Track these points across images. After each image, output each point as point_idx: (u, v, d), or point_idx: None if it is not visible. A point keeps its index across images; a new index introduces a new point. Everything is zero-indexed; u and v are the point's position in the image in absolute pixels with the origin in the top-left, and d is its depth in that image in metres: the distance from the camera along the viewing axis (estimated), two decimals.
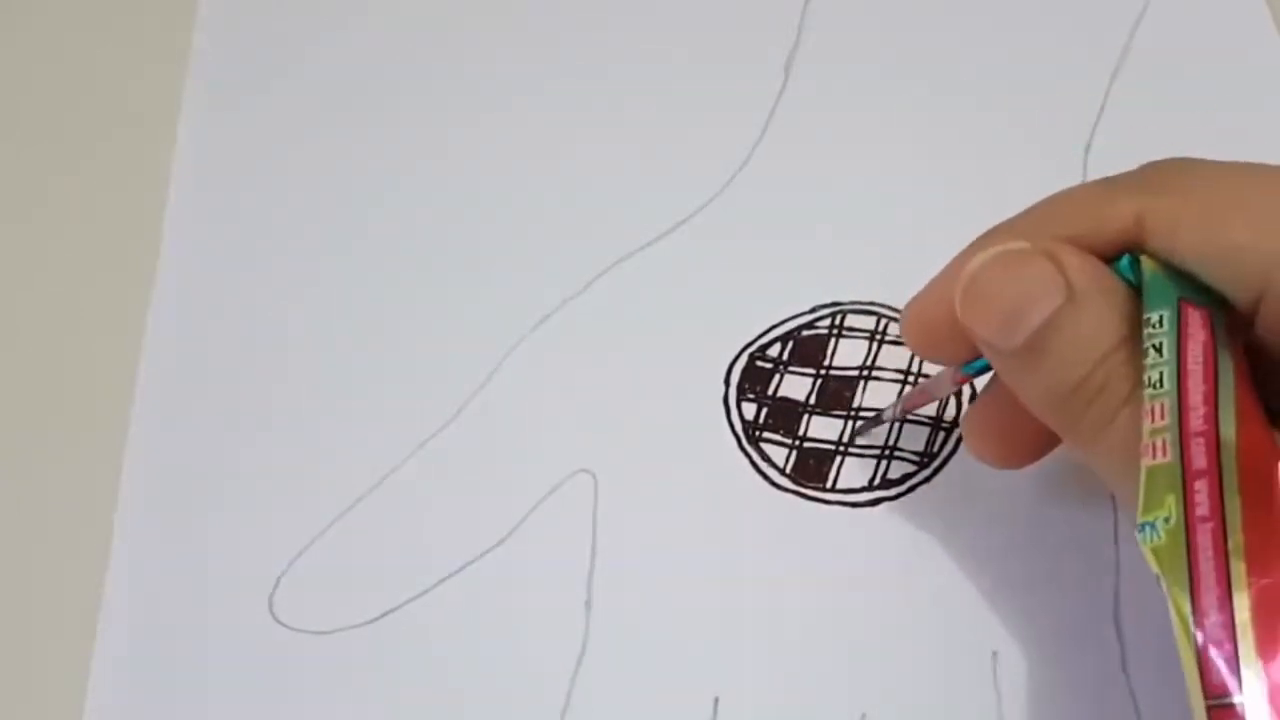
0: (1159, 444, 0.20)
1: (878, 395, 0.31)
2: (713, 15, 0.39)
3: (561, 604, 0.29)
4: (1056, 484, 0.30)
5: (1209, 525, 0.19)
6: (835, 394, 0.32)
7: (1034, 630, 0.28)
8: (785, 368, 0.32)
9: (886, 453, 0.31)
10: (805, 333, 0.33)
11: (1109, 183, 0.24)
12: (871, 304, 0.33)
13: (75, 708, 0.28)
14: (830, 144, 0.36)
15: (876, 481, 0.30)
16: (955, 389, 0.28)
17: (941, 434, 0.31)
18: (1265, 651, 0.18)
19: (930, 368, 0.32)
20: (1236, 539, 0.19)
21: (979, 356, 0.25)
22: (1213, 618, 0.19)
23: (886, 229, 0.34)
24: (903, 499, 0.30)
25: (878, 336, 0.32)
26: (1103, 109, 0.36)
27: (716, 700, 0.28)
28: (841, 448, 0.31)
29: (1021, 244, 0.23)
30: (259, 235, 0.35)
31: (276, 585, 0.30)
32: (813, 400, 0.32)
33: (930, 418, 0.31)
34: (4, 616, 0.30)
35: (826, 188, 0.35)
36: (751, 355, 0.32)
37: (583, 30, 0.39)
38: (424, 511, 0.31)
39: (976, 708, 0.28)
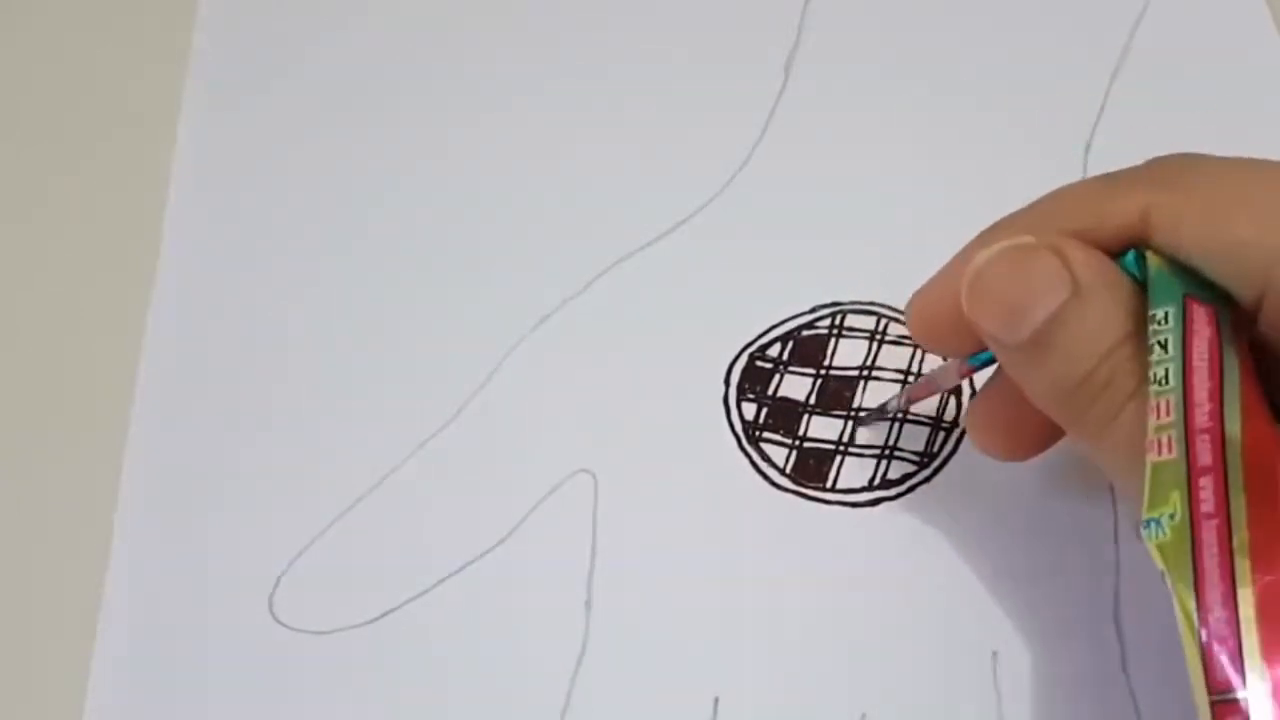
0: (1164, 440, 0.20)
1: (878, 395, 0.31)
2: (713, 15, 0.39)
3: (561, 604, 0.29)
4: (1057, 483, 0.30)
5: (1214, 522, 0.19)
6: (835, 394, 0.32)
7: (1034, 630, 0.28)
8: (785, 368, 0.32)
9: (886, 453, 0.31)
10: (805, 333, 0.33)
11: (1113, 178, 0.24)
12: (871, 304, 0.33)
13: (75, 708, 0.28)
14: (830, 144, 0.36)
15: (876, 481, 0.30)
16: (961, 380, 0.28)
17: (941, 433, 0.31)
18: (1269, 648, 0.18)
19: (932, 364, 0.32)
20: (1241, 535, 0.19)
21: (983, 349, 0.25)
22: (1217, 614, 0.19)
23: (886, 229, 0.34)
24: (903, 499, 0.30)
25: (878, 336, 0.32)
26: (1103, 109, 0.36)
27: (716, 700, 0.28)
28: (841, 447, 0.31)
29: (1027, 238, 0.23)
30: (259, 235, 0.35)
31: (276, 585, 0.30)
32: (813, 400, 0.32)
33: (930, 417, 0.31)
34: (4, 616, 0.30)
35: (826, 188, 0.35)
36: (751, 355, 0.32)
37: (583, 30, 0.39)
38: (424, 511, 0.31)
39: (976, 708, 0.28)
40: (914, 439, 0.31)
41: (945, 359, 0.28)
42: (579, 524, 0.30)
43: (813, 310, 0.33)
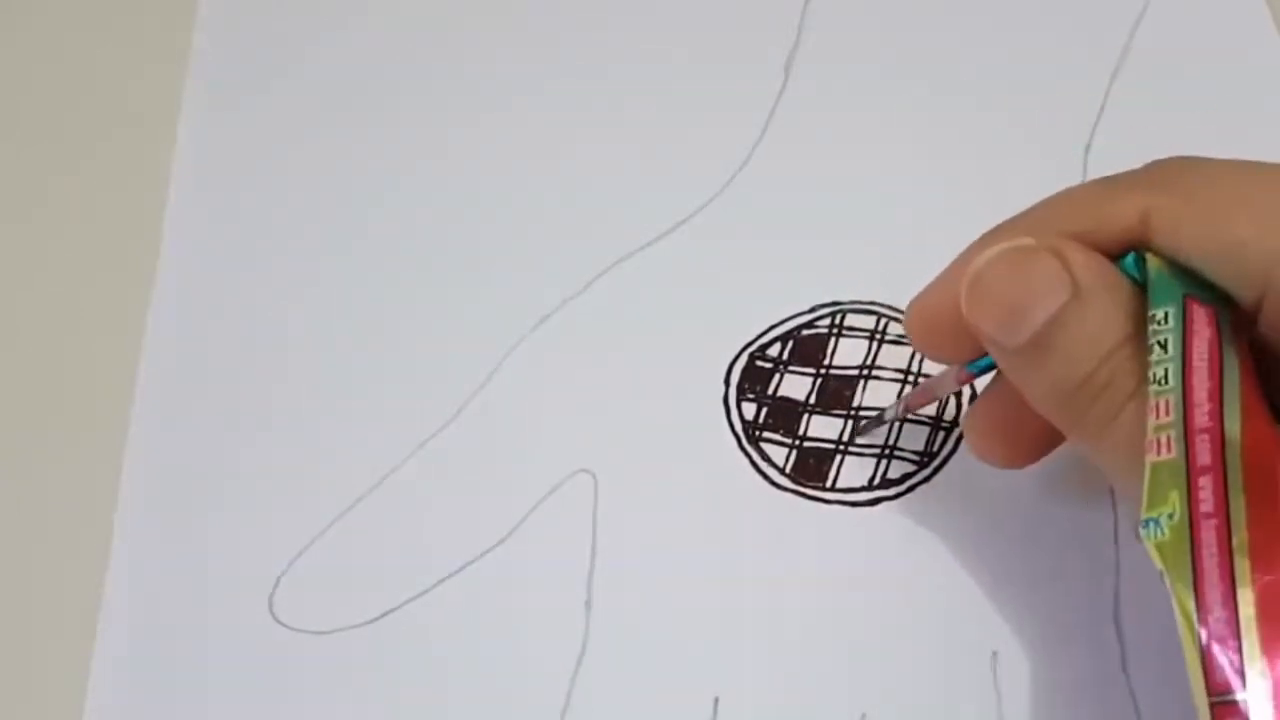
0: (1163, 440, 0.20)
1: (878, 395, 0.31)
2: (713, 15, 0.39)
3: (561, 604, 0.29)
4: (1057, 484, 0.30)
5: (1213, 521, 0.19)
6: (835, 393, 0.32)
7: (1034, 630, 0.28)
8: (785, 367, 0.32)
9: (886, 452, 0.31)
10: (805, 332, 0.33)
11: (1113, 181, 0.24)
12: (871, 303, 0.33)
13: (75, 708, 0.28)
14: (830, 144, 0.36)
15: (876, 481, 0.30)
16: (958, 388, 0.28)
17: (941, 434, 0.31)
18: (1269, 648, 0.18)
19: (931, 366, 0.32)
20: (1241, 535, 0.19)
21: (982, 355, 0.25)
22: (1217, 614, 0.19)
23: (886, 229, 0.34)
24: (903, 499, 0.30)
25: (878, 336, 0.32)
26: (1103, 109, 0.36)
27: (716, 700, 0.28)
28: (841, 447, 0.31)
29: (1027, 241, 0.23)
30: (259, 235, 0.35)
31: (276, 585, 0.30)
32: (813, 400, 0.32)
33: (930, 417, 0.31)
34: (4, 616, 0.30)
35: (826, 188, 0.35)
36: (751, 355, 0.32)
37: (583, 30, 0.39)
38: (424, 511, 0.31)
39: (976, 708, 0.28)
40: (914, 439, 0.31)
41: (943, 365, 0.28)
42: (579, 524, 0.30)
43: (813, 310, 0.33)
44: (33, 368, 0.33)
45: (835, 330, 0.33)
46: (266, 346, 0.33)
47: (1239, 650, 0.19)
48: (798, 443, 0.31)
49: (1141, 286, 0.22)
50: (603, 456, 0.31)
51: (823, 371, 0.32)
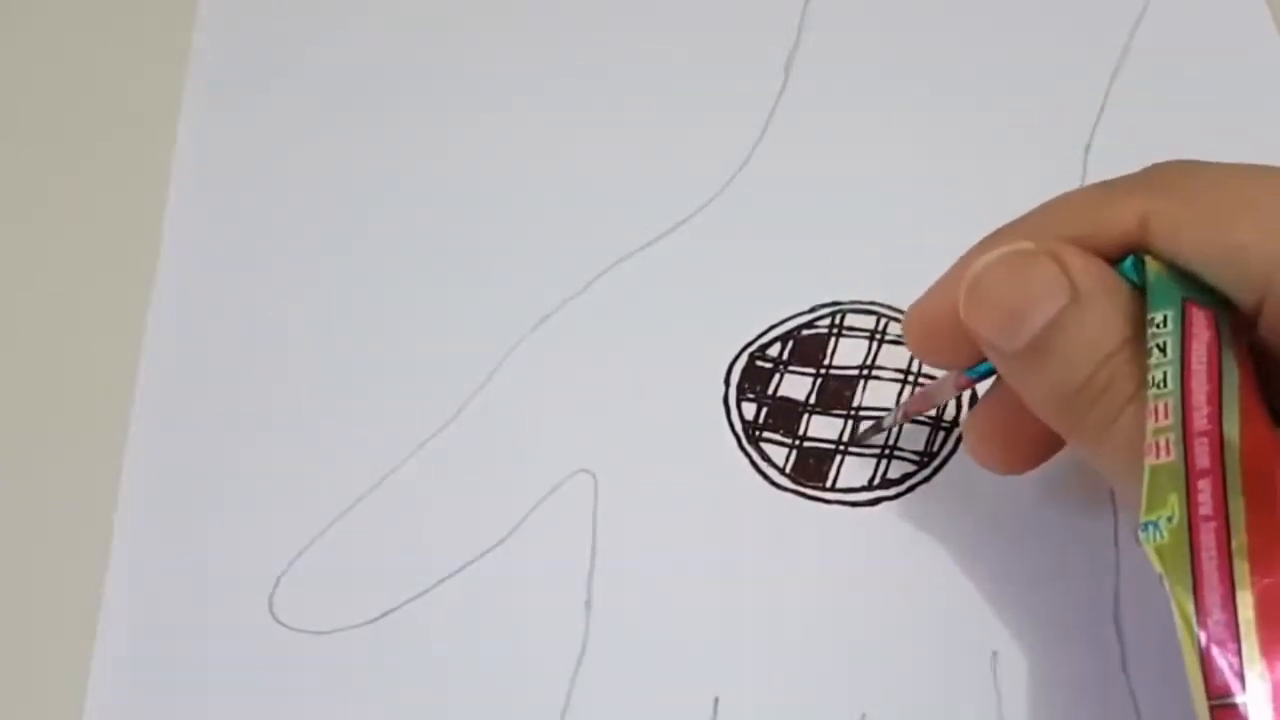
0: (1162, 443, 0.20)
1: (878, 395, 0.31)
2: (713, 15, 0.39)
3: (561, 604, 0.29)
4: (1057, 484, 0.30)
5: (1212, 525, 0.19)
6: (835, 393, 0.32)
7: (1034, 630, 0.28)
8: (785, 367, 0.32)
9: (886, 452, 0.31)
10: (805, 332, 0.33)
11: (1112, 185, 0.24)
12: (871, 303, 0.33)
13: (75, 708, 0.28)
14: (830, 144, 0.36)
15: (876, 481, 0.30)
16: (958, 393, 0.28)
17: (941, 434, 0.31)
18: (1269, 651, 0.18)
19: (930, 369, 0.32)
20: (1240, 539, 0.19)
21: (981, 360, 0.25)
22: (1216, 617, 0.19)
23: (886, 229, 0.34)
24: (903, 499, 0.30)
25: (878, 336, 0.32)
26: (1103, 109, 0.36)
27: (716, 700, 0.28)
28: (841, 447, 0.31)
29: (1025, 245, 0.23)
30: (259, 235, 0.35)
31: (276, 585, 0.30)
32: (813, 400, 0.32)
33: (930, 418, 0.31)
34: (4, 616, 0.30)
35: (826, 188, 0.35)
36: (751, 355, 0.32)
37: (583, 30, 0.39)
38: (424, 511, 0.31)
39: (976, 708, 0.28)
40: (914, 439, 0.31)
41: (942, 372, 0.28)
42: (579, 524, 0.30)
43: (813, 310, 0.33)
44: (33, 368, 0.33)
45: (835, 330, 0.33)
46: (266, 346, 0.33)
47: (1238, 653, 0.19)
48: (798, 443, 0.31)
49: (1140, 290, 0.22)
50: (603, 456, 0.31)
51: (823, 371, 0.32)
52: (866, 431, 0.31)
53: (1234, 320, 0.22)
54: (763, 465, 0.31)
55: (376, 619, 0.29)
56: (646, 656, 0.28)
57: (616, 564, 0.30)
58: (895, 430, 0.31)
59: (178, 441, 0.32)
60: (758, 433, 0.31)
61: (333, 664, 0.29)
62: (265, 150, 0.37)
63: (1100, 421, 0.22)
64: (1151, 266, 0.22)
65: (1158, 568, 0.20)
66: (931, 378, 0.31)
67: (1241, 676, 0.18)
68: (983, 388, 0.27)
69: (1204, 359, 0.21)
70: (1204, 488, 0.20)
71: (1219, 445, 0.20)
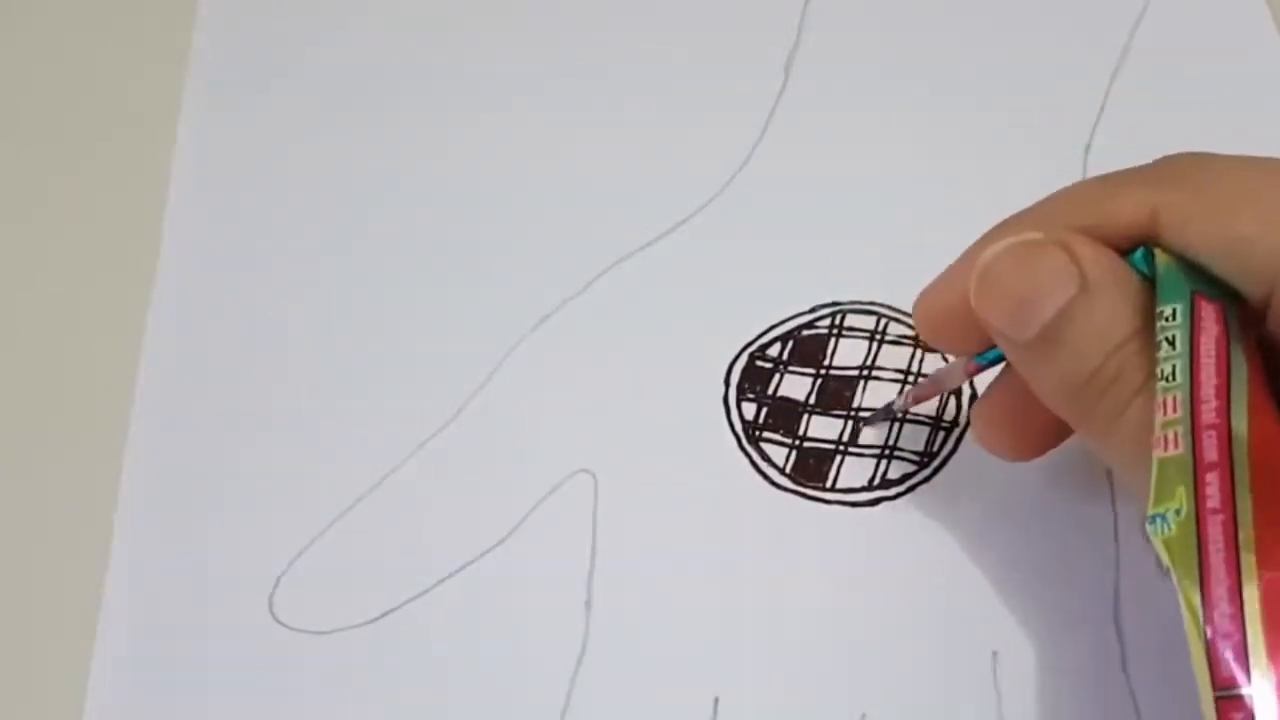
0: (1171, 436, 0.20)
1: (878, 395, 0.31)
2: (713, 15, 0.39)
3: (561, 604, 0.29)
4: (1056, 482, 0.30)
5: (1220, 518, 0.19)
6: (835, 394, 0.32)
7: (1034, 630, 0.28)
8: (785, 367, 0.32)
9: (886, 452, 0.31)
10: (805, 332, 0.33)
11: (1121, 176, 0.24)
12: (871, 304, 0.33)
13: (75, 708, 0.28)
14: (830, 144, 0.36)
15: (876, 481, 0.30)
16: (967, 379, 0.28)
17: (941, 434, 0.31)
18: (1274, 644, 0.18)
19: (931, 367, 0.32)
20: (1247, 532, 0.19)
21: (989, 347, 0.25)
22: (1222, 609, 0.19)
23: (886, 229, 0.34)
24: (903, 499, 0.30)
25: (878, 336, 0.32)
26: (1103, 109, 0.36)
27: (716, 700, 0.28)
28: (841, 447, 0.31)
29: (1035, 234, 0.23)
30: (259, 235, 0.35)
31: (276, 585, 0.30)
32: (813, 400, 0.32)
33: (930, 417, 0.31)
34: (4, 616, 0.30)
35: (826, 188, 0.35)
36: (751, 355, 0.32)
37: (583, 30, 0.39)
38: (424, 511, 0.31)
39: (976, 708, 0.28)
40: (914, 439, 0.31)
41: (948, 359, 0.28)
42: (579, 524, 0.30)
43: (813, 310, 0.33)
44: (33, 368, 0.33)
45: (835, 330, 0.33)
46: (266, 346, 0.33)
47: (1244, 645, 0.19)
48: (798, 443, 0.31)
49: (1151, 282, 0.22)
50: (603, 456, 0.31)
51: (823, 372, 0.32)
52: (874, 415, 0.31)
53: (1242, 313, 0.22)
54: (763, 465, 0.31)
55: (376, 619, 0.29)
56: (646, 656, 0.28)
57: (616, 564, 0.30)
58: (896, 429, 0.31)
59: (178, 441, 0.32)
60: (758, 433, 0.31)
61: (333, 664, 0.29)
62: (265, 150, 0.37)
63: (1109, 412, 0.22)
64: (1161, 259, 0.22)
65: (1165, 560, 0.20)
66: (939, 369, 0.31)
67: (1247, 668, 0.18)
68: (987, 377, 0.27)
69: (1212, 352, 0.21)
70: (1212, 481, 0.20)
71: (1227, 439, 0.20)
